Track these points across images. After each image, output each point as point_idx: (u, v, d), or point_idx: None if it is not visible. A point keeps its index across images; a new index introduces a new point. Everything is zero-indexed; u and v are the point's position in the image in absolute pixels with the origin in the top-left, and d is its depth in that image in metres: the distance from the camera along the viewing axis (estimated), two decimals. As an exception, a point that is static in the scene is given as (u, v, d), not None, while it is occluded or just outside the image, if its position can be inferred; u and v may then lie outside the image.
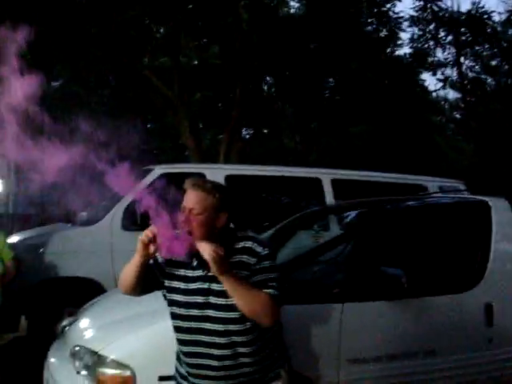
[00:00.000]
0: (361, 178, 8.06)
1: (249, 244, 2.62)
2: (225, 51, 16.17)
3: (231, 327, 2.55)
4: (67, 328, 4.13)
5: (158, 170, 6.92)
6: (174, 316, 2.68)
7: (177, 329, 2.68)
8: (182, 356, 2.70)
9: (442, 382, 3.75)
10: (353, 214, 5.16)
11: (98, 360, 3.27)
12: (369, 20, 17.67)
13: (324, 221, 6.39)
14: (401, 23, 18.44)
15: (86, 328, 3.88)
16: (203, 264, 2.55)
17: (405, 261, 4.03)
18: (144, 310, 3.66)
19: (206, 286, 2.58)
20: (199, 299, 2.58)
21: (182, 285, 2.64)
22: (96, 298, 4.71)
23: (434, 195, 6.26)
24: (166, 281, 2.69)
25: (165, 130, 21.45)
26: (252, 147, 22.52)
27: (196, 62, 19.09)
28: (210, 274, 2.53)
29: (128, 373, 3.17)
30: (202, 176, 7.09)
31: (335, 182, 7.64)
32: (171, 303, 2.68)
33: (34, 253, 6.46)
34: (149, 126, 22.98)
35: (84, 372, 3.35)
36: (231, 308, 2.52)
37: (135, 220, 6.69)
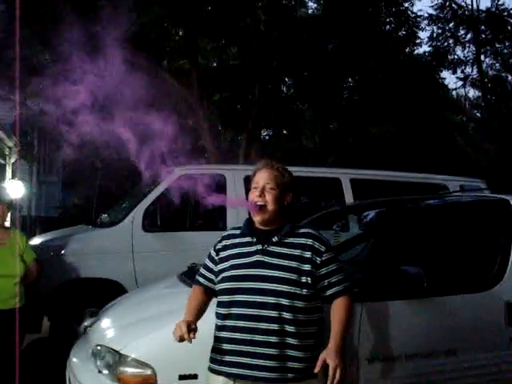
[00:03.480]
0: (380, 178, 8.03)
1: (310, 230, 2.86)
2: (243, 52, 16.20)
3: (282, 301, 2.68)
4: (89, 328, 4.18)
5: (178, 171, 6.96)
6: (224, 292, 2.81)
7: (225, 304, 2.79)
8: (225, 334, 2.76)
9: (461, 382, 3.72)
10: (372, 213, 5.15)
11: (119, 359, 3.30)
12: (387, 19, 17.60)
13: (344, 220, 6.39)
14: (420, 22, 18.36)
15: (107, 328, 3.92)
16: (261, 239, 2.81)
17: (425, 260, 4.01)
18: (165, 310, 3.70)
19: (263, 259, 2.77)
20: (254, 272, 2.74)
21: (237, 261, 2.81)
22: (117, 299, 4.76)
23: (455, 194, 6.21)
24: (221, 264, 2.88)
25: (184, 131, 21.53)
26: (271, 148, 22.53)
27: (215, 64, 19.15)
28: (267, 248, 2.78)
29: (149, 372, 3.19)
30: (221, 177, 7.11)
31: (354, 182, 7.63)
32: (222, 280, 2.82)
33: (55, 254, 6.54)
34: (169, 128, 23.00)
35: (105, 371, 3.38)
36: (283, 281, 2.69)
37: (156, 221, 6.76)
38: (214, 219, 7.20)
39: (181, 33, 15.32)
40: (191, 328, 2.67)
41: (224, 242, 2.94)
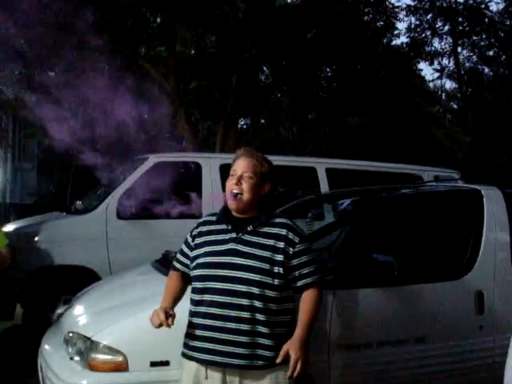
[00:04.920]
0: (356, 168, 8.05)
1: (288, 222, 2.86)
2: (221, 40, 16.12)
3: (254, 290, 2.68)
4: (62, 315, 4.16)
5: (153, 159, 6.92)
6: (198, 278, 2.81)
7: (198, 290, 2.79)
8: (197, 320, 2.76)
9: (432, 369, 3.77)
10: (346, 201, 5.18)
11: (90, 346, 3.30)
12: (365, 9, 17.61)
13: (318, 209, 6.41)
14: (398, 13, 18.41)
15: (79, 314, 3.90)
16: (236, 227, 2.81)
17: (397, 248, 4.06)
18: (136, 297, 3.70)
19: (236, 247, 2.76)
20: (227, 260, 2.74)
21: (211, 248, 2.81)
22: (90, 286, 4.73)
23: (428, 184, 6.27)
24: (196, 250, 2.87)
25: (161, 119, 21.40)
26: (249, 138, 22.50)
27: (192, 52, 19.04)
28: (242, 236, 2.79)
29: (120, 358, 3.19)
30: (197, 165, 7.08)
31: (330, 171, 7.65)
32: (196, 267, 2.82)
33: (29, 241, 6.47)
34: (146, 116, 22.92)
35: (77, 358, 3.37)
36: (256, 270, 2.69)
37: (130, 208, 6.71)
38: (188, 207, 7.18)
39: (158, 20, 15.20)
40: (169, 314, 2.67)
41: (200, 228, 2.93)
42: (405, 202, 4.52)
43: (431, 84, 26.27)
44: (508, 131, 18.43)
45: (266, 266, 2.70)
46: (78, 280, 6.07)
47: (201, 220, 3.02)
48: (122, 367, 3.19)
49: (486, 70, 22.20)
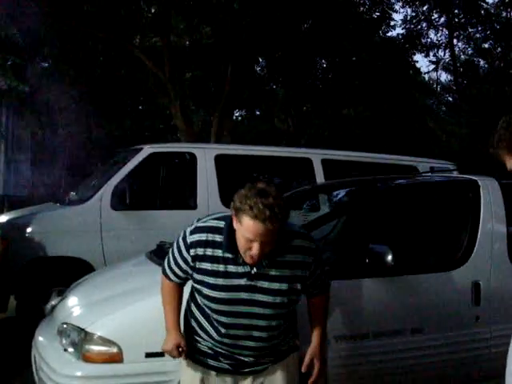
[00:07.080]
0: (351, 159, 8.04)
1: (300, 242, 2.59)
2: (216, 31, 16.06)
3: (273, 323, 2.61)
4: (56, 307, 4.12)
5: (148, 150, 6.87)
6: (207, 306, 2.61)
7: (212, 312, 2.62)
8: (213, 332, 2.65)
9: (428, 360, 3.76)
10: (342, 192, 5.15)
11: (84, 337, 3.25)
12: (361, 0, 17.56)
13: (314, 200, 6.40)
14: (394, 4, 18.36)
15: (73, 306, 3.87)
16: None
17: (393, 239, 4.03)
18: (131, 288, 3.66)
19: (252, 283, 2.52)
20: (241, 296, 2.53)
21: (222, 281, 2.51)
22: (84, 277, 4.69)
23: (424, 175, 6.25)
24: (200, 275, 2.57)
25: (156, 111, 21.36)
26: (244, 129, 22.48)
27: (187, 43, 18.97)
28: (257, 271, 2.51)
29: (115, 349, 3.16)
30: (192, 156, 7.00)
31: (325, 162, 7.62)
32: (205, 297, 2.58)
33: (22, 232, 6.42)
34: (140, 107, 22.89)
35: (71, 349, 3.33)
36: (275, 305, 2.56)
37: (125, 199, 6.66)
38: (183, 197, 7.14)
39: (153, 10, 15.14)
40: (182, 349, 2.69)
41: (203, 250, 2.53)
42: (401, 193, 4.50)
43: (426, 76, 26.28)
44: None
45: (285, 300, 2.58)
46: (72, 271, 6.03)
47: (202, 236, 2.55)
48: (116, 358, 3.16)
49: (482, 62, 22.23)
